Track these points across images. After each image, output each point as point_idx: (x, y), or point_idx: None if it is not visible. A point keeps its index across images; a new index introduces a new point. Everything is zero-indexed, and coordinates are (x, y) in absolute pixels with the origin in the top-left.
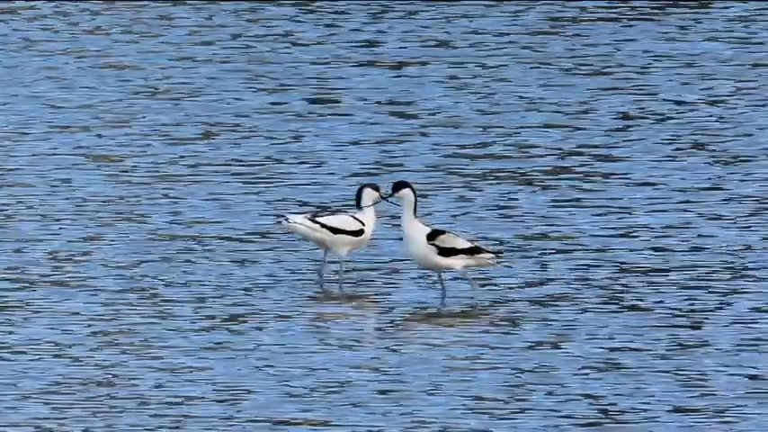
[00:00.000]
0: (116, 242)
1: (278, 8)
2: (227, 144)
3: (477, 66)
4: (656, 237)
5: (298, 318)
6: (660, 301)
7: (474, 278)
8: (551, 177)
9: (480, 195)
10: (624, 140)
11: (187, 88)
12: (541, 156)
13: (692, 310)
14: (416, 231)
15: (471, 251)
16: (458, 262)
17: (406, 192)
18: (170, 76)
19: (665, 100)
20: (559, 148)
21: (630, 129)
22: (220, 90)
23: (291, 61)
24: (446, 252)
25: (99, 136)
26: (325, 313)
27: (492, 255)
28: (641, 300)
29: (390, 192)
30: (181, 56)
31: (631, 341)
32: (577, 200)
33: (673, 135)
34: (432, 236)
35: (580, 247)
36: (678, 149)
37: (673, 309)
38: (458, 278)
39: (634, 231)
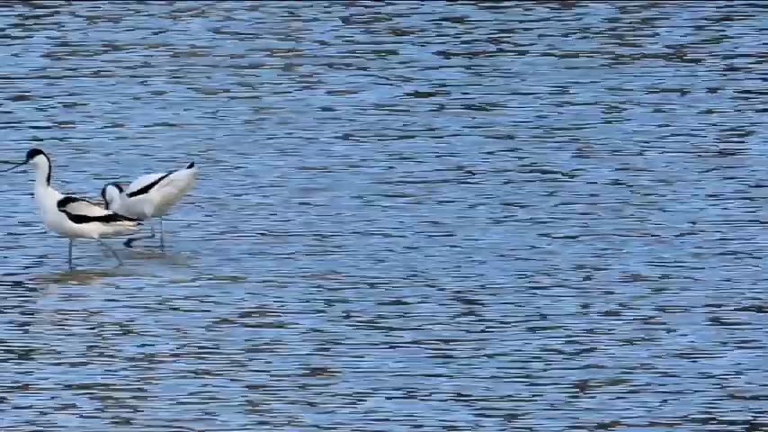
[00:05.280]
0: None
1: None
2: None
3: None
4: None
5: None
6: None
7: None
8: None
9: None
10: None
11: None
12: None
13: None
14: (48, 199)
15: (107, 218)
16: (92, 228)
17: (40, 158)
18: None
19: None
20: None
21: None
22: None
23: None
24: (78, 219)
25: None
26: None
27: (131, 222)
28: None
29: (24, 159)
30: None
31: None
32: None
33: None
34: (63, 203)
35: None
36: None
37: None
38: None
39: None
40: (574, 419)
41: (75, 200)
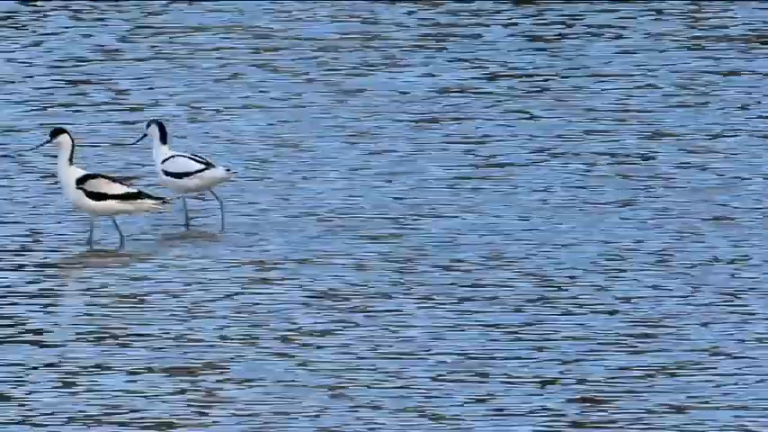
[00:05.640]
0: None
1: None
2: None
3: None
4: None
5: None
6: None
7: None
8: None
9: None
10: None
11: None
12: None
13: None
14: (70, 177)
15: (126, 197)
16: (110, 206)
17: (63, 138)
18: None
19: None
20: None
21: None
22: None
23: None
24: (96, 196)
25: None
26: None
27: (156, 201)
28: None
29: (49, 138)
30: None
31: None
32: None
33: None
34: (81, 180)
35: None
36: None
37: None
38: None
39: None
40: (652, 403)
41: (94, 177)
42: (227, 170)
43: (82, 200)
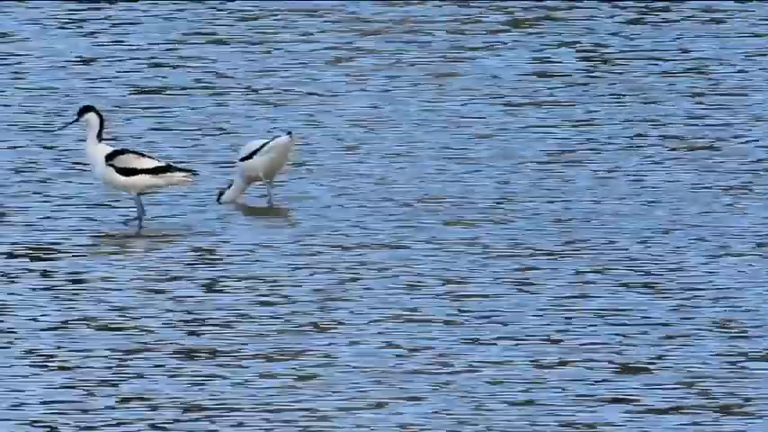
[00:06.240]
0: None
1: None
2: None
3: None
4: None
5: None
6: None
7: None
8: None
9: None
10: None
11: None
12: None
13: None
14: (98, 155)
15: (156, 170)
16: (141, 180)
17: (91, 116)
18: None
19: None
20: None
21: None
22: None
23: None
24: (126, 172)
25: None
26: None
27: (186, 173)
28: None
29: (76, 116)
30: None
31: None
32: None
33: None
34: (111, 156)
35: None
36: None
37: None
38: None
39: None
40: (748, 390)
41: (123, 152)
42: (289, 134)
43: (112, 176)
